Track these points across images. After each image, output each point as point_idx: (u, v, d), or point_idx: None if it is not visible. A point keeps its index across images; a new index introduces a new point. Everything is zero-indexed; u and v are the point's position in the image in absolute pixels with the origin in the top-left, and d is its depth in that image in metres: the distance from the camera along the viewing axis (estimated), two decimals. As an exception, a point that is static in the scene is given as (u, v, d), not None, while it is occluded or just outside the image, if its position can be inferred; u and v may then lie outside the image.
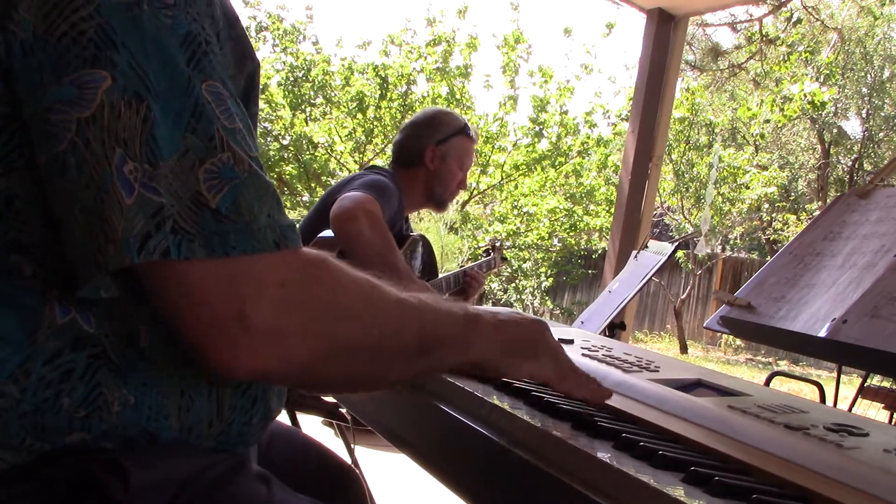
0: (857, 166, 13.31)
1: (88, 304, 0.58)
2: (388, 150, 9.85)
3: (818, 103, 9.42)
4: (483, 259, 2.65)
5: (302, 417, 1.95)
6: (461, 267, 2.57)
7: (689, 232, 10.49)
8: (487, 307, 0.78)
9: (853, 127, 14.14)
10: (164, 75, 0.54)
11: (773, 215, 12.39)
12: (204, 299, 0.53)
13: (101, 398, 0.58)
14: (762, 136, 11.13)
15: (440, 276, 2.40)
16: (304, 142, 9.60)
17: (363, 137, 9.84)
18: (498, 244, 2.74)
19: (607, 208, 10.02)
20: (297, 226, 2.24)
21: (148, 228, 0.52)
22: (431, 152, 2.24)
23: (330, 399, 1.82)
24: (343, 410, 1.86)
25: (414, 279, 2.05)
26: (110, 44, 0.53)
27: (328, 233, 2.01)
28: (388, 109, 9.73)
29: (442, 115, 2.33)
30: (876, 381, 3.04)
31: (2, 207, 0.56)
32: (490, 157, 10.03)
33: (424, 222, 8.86)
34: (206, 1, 0.59)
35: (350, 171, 9.95)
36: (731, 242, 12.91)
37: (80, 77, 0.52)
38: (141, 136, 0.52)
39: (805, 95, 9.27)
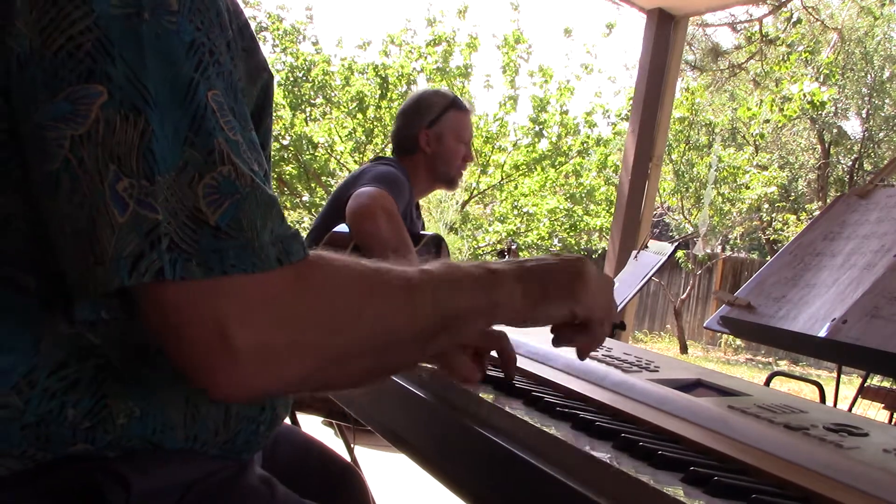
0: (857, 166, 13.31)
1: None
2: (389, 150, 9.88)
3: (818, 103, 9.41)
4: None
5: (302, 417, 1.96)
6: None
7: (689, 232, 10.50)
8: (525, 257, 0.75)
9: (853, 127, 14.16)
10: (164, 85, 0.51)
11: (773, 215, 12.39)
12: (188, 321, 0.51)
13: (107, 410, 0.57)
14: (762, 136, 11.13)
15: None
16: (304, 142, 9.59)
17: (363, 137, 9.83)
18: (514, 247, 2.75)
19: (607, 208, 10.02)
20: (312, 223, 2.25)
21: (142, 248, 0.49)
22: (426, 136, 2.23)
23: (330, 399, 1.82)
24: (344, 410, 1.86)
25: None
26: (107, 57, 0.50)
27: (343, 227, 2.02)
28: (388, 109, 9.72)
29: (427, 95, 2.30)
30: (876, 381, 3.05)
31: (1, 225, 0.55)
32: (490, 157, 10.02)
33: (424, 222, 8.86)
34: (215, 11, 0.56)
35: (350, 171, 9.95)
36: (731, 242, 12.91)
37: (75, 92, 0.50)
38: (138, 150, 0.50)
39: (805, 95, 9.26)
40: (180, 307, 0.51)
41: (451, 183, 2.36)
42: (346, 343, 0.56)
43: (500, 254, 2.74)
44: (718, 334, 10.12)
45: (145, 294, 0.51)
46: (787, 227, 11.82)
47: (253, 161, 0.56)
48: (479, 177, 10.11)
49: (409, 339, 0.60)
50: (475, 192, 10.32)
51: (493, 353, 0.82)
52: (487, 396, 0.75)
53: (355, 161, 9.98)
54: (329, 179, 10.03)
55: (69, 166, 0.50)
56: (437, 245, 2.36)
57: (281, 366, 0.53)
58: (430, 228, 8.96)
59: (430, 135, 2.24)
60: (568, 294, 0.69)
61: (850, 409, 2.59)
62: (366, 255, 2.08)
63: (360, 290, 0.58)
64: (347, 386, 0.66)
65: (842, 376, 3.35)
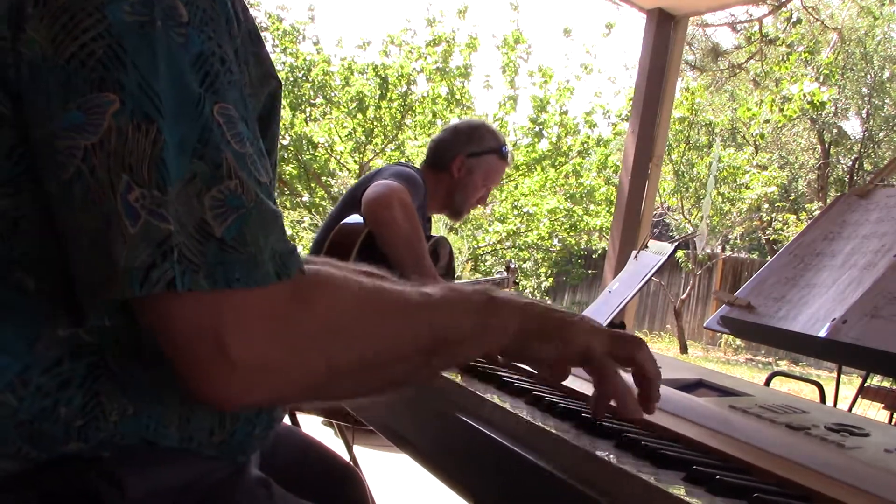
0: (857, 166, 13.31)
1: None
2: (389, 150, 9.90)
3: (818, 103, 9.41)
4: (498, 277, 2.74)
5: (302, 417, 1.96)
6: (479, 278, 2.65)
7: (689, 232, 10.49)
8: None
9: (853, 127, 14.16)
10: (172, 96, 0.51)
11: (773, 215, 12.39)
12: (190, 333, 0.51)
13: (100, 407, 0.57)
14: (762, 136, 11.13)
15: (455, 282, 2.43)
16: (304, 142, 9.59)
17: (363, 137, 9.83)
18: (514, 266, 2.81)
19: (607, 208, 10.01)
20: (325, 218, 2.28)
21: (153, 258, 0.50)
22: (460, 162, 2.28)
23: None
24: (344, 410, 1.86)
25: (436, 276, 2.08)
26: (119, 65, 0.50)
27: (354, 218, 2.04)
28: (388, 109, 9.72)
29: (483, 129, 2.36)
30: (876, 381, 3.05)
31: (9, 227, 0.55)
32: (490, 157, 10.01)
33: (424, 222, 8.85)
34: (224, 18, 0.56)
35: (350, 171, 9.97)
36: (731, 242, 12.91)
37: (88, 101, 0.50)
38: (150, 159, 0.50)
39: (805, 95, 9.25)
40: (184, 319, 0.51)
41: (457, 214, 2.41)
42: (338, 362, 0.57)
43: (501, 272, 2.81)
44: (718, 334, 10.12)
45: (150, 305, 0.52)
46: (787, 227, 11.81)
47: (261, 171, 0.56)
48: (479, 177, 10.10)
49: (400, 359, 0.61)
50: (475, 192, 10.30)
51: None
52: (489, 396, 0.75)
53: (355, 161, 9.99)
54: (329, 179, 10.03)
55: (81, 176, 0.50)
56: (446, 248, 2.39)
57: (277, 379, 0.54)
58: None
59: (464, 163, 2.28)
60: (557, 334, 0.68)
61: (850, 409, 2.59)
62: (379, 243, 2.11)
63: (357, 310, 0.59)
64: (342, 399, 0.67)
65: (842, 376, 3.36)
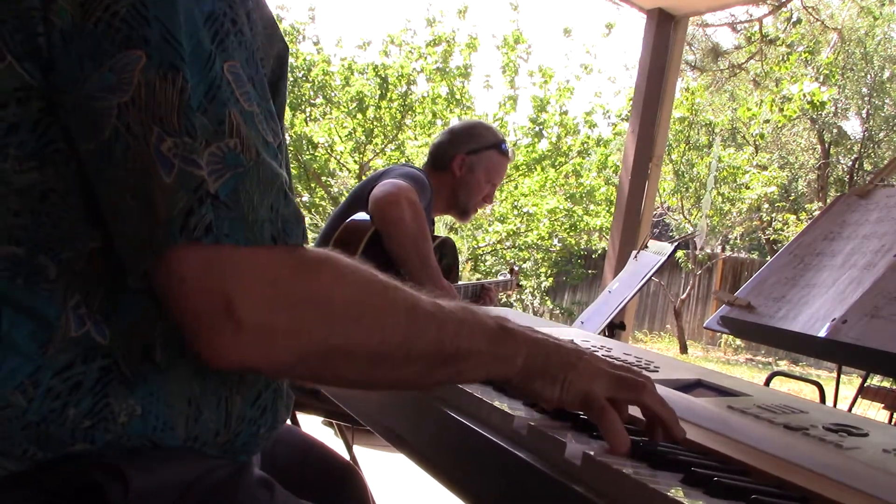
0: (857, 166, 13.31)
1: (105, 316, 0.57)
2: (389, 150, 9.89)
3: (818, 103, 9.40)
4: (501, 279, 2.75)
5: (302, 417, 1.95)
6: (479, 279, 2.65)
7: (689, 232, 10.49)
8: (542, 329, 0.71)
9: (853, 127, 14.16)
10: (189, 50, 0.53)
11: (773, 215, 12.39)
12: (194, 287, 0.52)
13: (108, 409, 0.57)
14: (762, 136, 11.13)
15: (459, 283, 2.42)
16: (303, 142, 9.59)
17: (363, 137, 9.83)
18: (517, 269, 2.82)
19: (607, 208, 10.01)
20: (329, 216, 2.27)
21: (191, 204, 0.51)
22: (461, 160, 2.28)
23: (330, 399, 1.82)
24: (344, 410, 1.86)
25: (440, 276, 2.08)
26: (142, 21, 0.52)
27: (360, 215, 2.04)
28: (388, 109, 9.71)
29: (480, 127, 2.38)
30: (876, 381, 3.05)
31: (38, 200, 0.56)
32: (490, 157, 9.99)
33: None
34: None
35: (350, 171, 9.96)
36: (731, 242, 12.91)
37: (117, 61, 0.52)
38: (178, 108, 0.52)
39: (805, 95, 9.25)
40: (193, 270, 0.52)
41: (464, 214, 2.41)
42: (338, 341, 0.57)
43: (504, 273, 2.82)
44: (718, 334, 10.12)
45: (166, 258, 0.52)
46: (787, 227, 11.80)
47: (268, 131, 0.57)
48: (479, 177, 10.08)
49: (401, 358, 0.60)
50: (475, 192, 10.28)
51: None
52: (488, 397, 0.75)
53: (355, 161, 9.98)
54: (329, 179, 10.02)
55: (119, 134, 0.52)
56: (448, 247, 2.39)
57: (275, 346, 0.54)
58: (430, 228, 8.94)
59: (465, 161, 2.29)
60: (561, 376, 0.67)
61: (849, 409, 2.59)
62: (385, 241, 2.12)
63: (364, 295, 0.59)
64: (341, 384, 0.66)
65: (842, 376, 3.35)
